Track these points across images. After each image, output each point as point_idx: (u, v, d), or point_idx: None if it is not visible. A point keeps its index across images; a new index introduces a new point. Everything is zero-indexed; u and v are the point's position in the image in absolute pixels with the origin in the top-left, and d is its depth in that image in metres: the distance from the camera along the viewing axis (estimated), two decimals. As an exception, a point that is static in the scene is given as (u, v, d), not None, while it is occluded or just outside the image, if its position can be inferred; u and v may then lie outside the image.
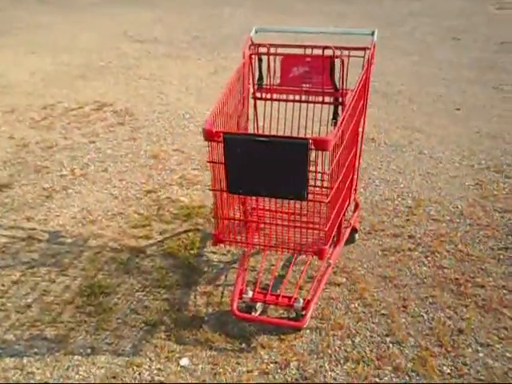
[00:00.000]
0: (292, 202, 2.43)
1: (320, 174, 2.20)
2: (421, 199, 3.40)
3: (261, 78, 2.61)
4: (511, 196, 3.41)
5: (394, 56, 6.33)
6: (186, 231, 3.17)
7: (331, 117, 2.64)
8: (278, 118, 2.70)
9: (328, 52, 2.43)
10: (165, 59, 6.39)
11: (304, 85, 2.64)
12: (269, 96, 2.63)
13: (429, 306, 2.53)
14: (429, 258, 2.86)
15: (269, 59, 2.52)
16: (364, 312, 2.51)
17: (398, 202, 3.39)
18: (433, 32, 7.54)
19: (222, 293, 2.66)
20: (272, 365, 2.24)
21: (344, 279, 2.72)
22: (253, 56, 2.64)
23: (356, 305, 2.55)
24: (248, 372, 2.20)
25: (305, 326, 2.34)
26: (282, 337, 2.37)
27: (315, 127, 3.02)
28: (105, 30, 7.78)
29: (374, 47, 2.55)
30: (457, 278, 2.70)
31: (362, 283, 2.69)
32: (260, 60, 2.57)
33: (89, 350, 2.34)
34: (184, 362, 2.27)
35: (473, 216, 3.22)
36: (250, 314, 2.38)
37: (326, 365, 2.23)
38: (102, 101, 5.08)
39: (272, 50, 2.62)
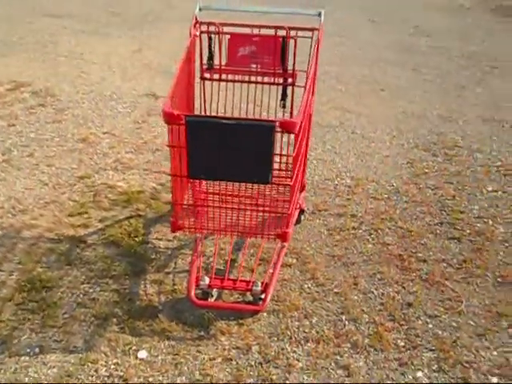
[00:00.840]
0: (243, 185, 2.41)
1: (279, 157, 2.18)
2: (359, 178, 3.49)
3: (210, 58, 2.53)
4: (440, 173, 3.60)
5: (316, 36, 6.42)
6: (127, 218, 3.04)
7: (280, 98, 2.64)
8: (225, 100, 2.64)
9: (280, 32, 2.40)
10: (83, 36, 6.02)
11: (253, 65, 2.60)
12: (217, 77, 2.57)
13: (378, 282, 2.62)
14: (372, 236, 2.95)
15: (220, 39, 2.44)
16: (317, 291, 2.55)
17: (337, 182, 3.45)
18: (351, 14, 7.72)
19: (173, 280, 2.59)
20: (234, 350, 2.22)
21: (294, 260, 2.74)
22: (197, 35, 2.55)
23: (309, 285, 2.59)
24: (210, 360, 2.16)
25: (265, 309, 2.34)
26: (240, 321, 2.35)
27: (264, 110, 3.00)
28: (13, 2, 7.22)
29: (322, 28, 2.55)
30: (400, 254, 2.81)
31: (311, 263, 2.72)
32: (210, 39, 2.49)
33: (37, 350, 2.19)
34: (142, 354, 2.19)
35: (408, 193, 3.35)
36: (207, 300, 2.34)
37: (287, 346, 2.24)
38: (19, 80, 4.70)
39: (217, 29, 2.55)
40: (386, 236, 2.94)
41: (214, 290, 2.39)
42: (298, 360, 2.18)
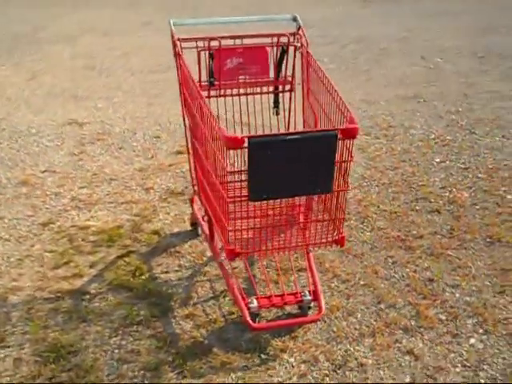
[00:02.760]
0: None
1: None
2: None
3: (212, 75, 2.42)
4: (390, 154, 3.83)
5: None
6: (119, 257, 2.81)
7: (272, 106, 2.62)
8: (226, 115, 2.55)
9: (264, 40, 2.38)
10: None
11: (241, 77, 2.55)
12: (214, 93, 2.47)
13: (393, 266, 2.74)
14: (365, 224, 3.07)
15: (214, 55, 2.35)
16: (346, 288, 2.60)
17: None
18: (229, 14, 7.81)
19: (204, 310, 2.47)
20: (303, 365, 2.19)
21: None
22: (181, 52, 2.43)
23: (336, 283, 2.62)
24: (287, 380, 2.12)
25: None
26: (292, 335, 2.33)
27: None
28: None
29: (303, 31, 2.56)
30: (398, 235, 2.97)
31: (326, 262, 2.76)
32: (211, 55, 2.39)
33: (101, 421, 1.98)
34: (215, 395, 2.09)
35: (374, 178, 3.53)
36: (258, 322, 2.27)
37: (348, 347, 2.27)
38: None
39: (206, 44, 2.46)
40: (376, 221, 3.08)
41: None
42: (365, 357, 2.22)
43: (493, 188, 3.37)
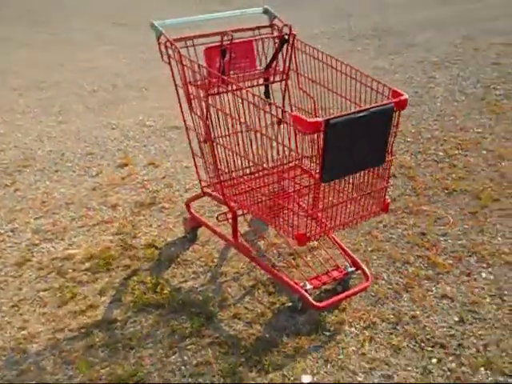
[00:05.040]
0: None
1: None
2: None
3: (224, 72, 2.36)
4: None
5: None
6: (125, 279, 2.63)
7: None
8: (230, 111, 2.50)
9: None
10: None
11: (232, 71, 2.54)
12: (214, 90, 2.41)
13: (386, 228, 2.96)
14: (341, 198, 3.27)
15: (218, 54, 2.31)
16: (360, 255, 2.75)
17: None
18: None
19: (246, 307, 2.44)
20: (365, 331, 2.30)
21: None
22: (173, 52, 2.35)
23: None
24: (360, 348, 2.22)
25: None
26: (340, 309, 2.42)
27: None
28: None
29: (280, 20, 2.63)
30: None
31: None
32: (223, 52, 2.32)
33: None
34: (306, 379, 2.10)
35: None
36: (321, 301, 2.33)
37: (393, 305, 2.43)
38: None
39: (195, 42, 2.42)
40: (349, 194, 3.31)
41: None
42: (412, 310, 2.40)
43: (425, 148, 3.79)
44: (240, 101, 2.29)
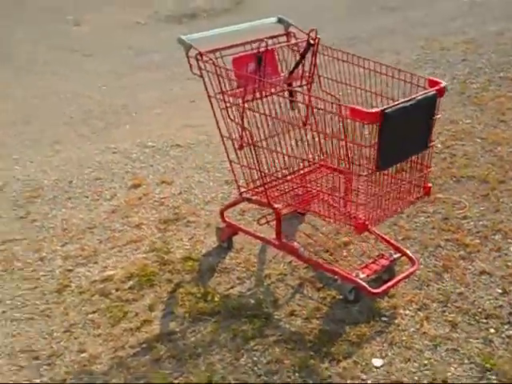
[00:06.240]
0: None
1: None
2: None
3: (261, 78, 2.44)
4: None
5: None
6: (172, 292, 2.63)
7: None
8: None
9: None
10: None
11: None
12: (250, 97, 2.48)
13: (409, 218, 3.08)
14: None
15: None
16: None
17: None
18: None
19: (299, 305, 2.49)
20: (420, 312, 2.40)
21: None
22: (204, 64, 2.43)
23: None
24: (420, 328, 2.31)
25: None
26: (390, 295, 2.51)
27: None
28: None
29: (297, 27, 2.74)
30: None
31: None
32: (260, 59, 2.41)
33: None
34: (378, 362, 2.17)
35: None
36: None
37: (437, 286, 2.55)
38: None
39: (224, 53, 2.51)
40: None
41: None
42: (457, 288, 2.52)
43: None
44: (278, 104, 2.39)
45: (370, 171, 2.13)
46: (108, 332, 2.44)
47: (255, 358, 2.25)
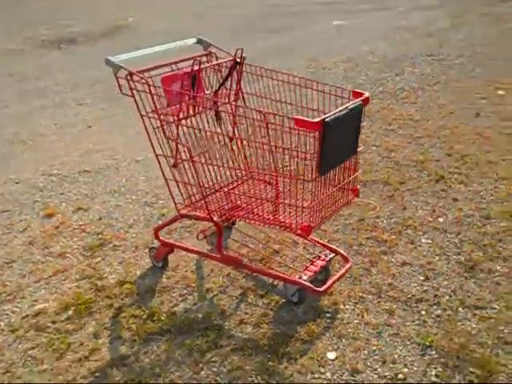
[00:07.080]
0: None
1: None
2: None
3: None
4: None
5: None
6: (115, 317, 2.56)
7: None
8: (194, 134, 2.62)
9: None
10: None
11: (185, 98, 2.66)
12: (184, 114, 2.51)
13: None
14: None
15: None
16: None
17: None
18: None
19: (253, 314, 2.54)
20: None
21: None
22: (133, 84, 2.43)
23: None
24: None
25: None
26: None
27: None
28: None
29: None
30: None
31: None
32: (194, 78, 2.43)
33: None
34: (331, 355, 2.28)
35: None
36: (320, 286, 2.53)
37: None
38: None
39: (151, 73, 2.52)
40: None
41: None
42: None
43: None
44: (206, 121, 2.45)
45: (312, 177, 2.28)
46: (55, 366, 2.31)
47: (215, 369, 2.27)
